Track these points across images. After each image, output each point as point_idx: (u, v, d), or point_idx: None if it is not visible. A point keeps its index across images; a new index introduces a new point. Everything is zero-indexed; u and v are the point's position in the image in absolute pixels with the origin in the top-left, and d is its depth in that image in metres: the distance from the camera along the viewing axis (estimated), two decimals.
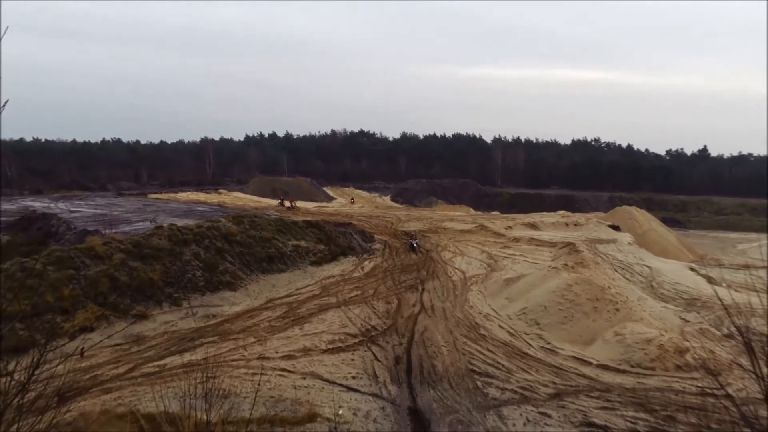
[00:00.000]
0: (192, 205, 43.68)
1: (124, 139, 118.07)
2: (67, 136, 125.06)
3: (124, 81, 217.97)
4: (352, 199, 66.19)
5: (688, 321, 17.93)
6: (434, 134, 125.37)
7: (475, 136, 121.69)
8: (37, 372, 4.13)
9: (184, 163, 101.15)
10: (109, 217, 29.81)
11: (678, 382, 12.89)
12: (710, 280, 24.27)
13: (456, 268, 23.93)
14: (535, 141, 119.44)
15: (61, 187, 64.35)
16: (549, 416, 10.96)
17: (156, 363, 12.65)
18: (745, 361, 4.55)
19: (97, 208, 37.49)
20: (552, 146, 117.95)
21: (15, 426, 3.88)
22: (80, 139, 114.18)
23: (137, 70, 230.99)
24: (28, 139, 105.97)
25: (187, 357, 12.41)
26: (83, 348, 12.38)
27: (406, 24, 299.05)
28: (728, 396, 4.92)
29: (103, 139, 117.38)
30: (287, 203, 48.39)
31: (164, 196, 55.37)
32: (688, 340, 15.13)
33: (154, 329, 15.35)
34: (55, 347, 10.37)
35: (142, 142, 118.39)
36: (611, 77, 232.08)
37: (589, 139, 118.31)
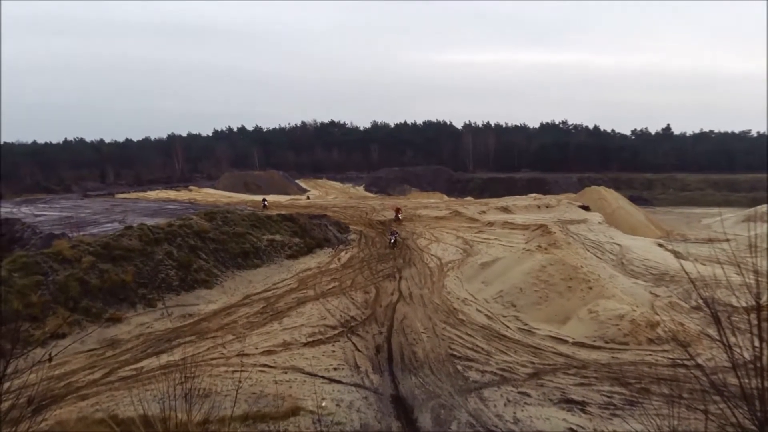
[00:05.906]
0: (162, 203, 42.69)
1: (87, 139, 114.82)
2: (27, 138, 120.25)
3: (74, 76, 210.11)
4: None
5: (657, 295, 18.52)
6: (405, 122, 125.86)
7: (445, 122, 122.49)
8: (6, 383, 3.99)
9: (152, 160, 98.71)
10: (76, 220, 28.88)
11: (650, 354, 13.34)
12: (677, 254, 25.06)
13: (432, 255, 24.09)
14: (504, 125, 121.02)
15: (23, 190, 61.92)
16: (528, 395, 11.20)
17: (133, 366, 12.39)
18: (712, 331, 4.71)
19: (62, 210, 36.23)
20: (521, 130, 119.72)
21: None
22: (40, 141, 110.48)
23: (87, 65, 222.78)
24: None
25: (164, 358, 12.17)
26: (51, 353, 12.03)
27: (376, 10, 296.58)
28: (698, 366, 5.09)
29: (65, 139, 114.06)
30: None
31: (132, 195, 53.90)
32: (658, 314, 15.65)
33: (129, 332, 15.01)
34: (27, 356, 10.07)
35: (106, 140, 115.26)
36: (580, 59, 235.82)
37: (557, 122, 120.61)
